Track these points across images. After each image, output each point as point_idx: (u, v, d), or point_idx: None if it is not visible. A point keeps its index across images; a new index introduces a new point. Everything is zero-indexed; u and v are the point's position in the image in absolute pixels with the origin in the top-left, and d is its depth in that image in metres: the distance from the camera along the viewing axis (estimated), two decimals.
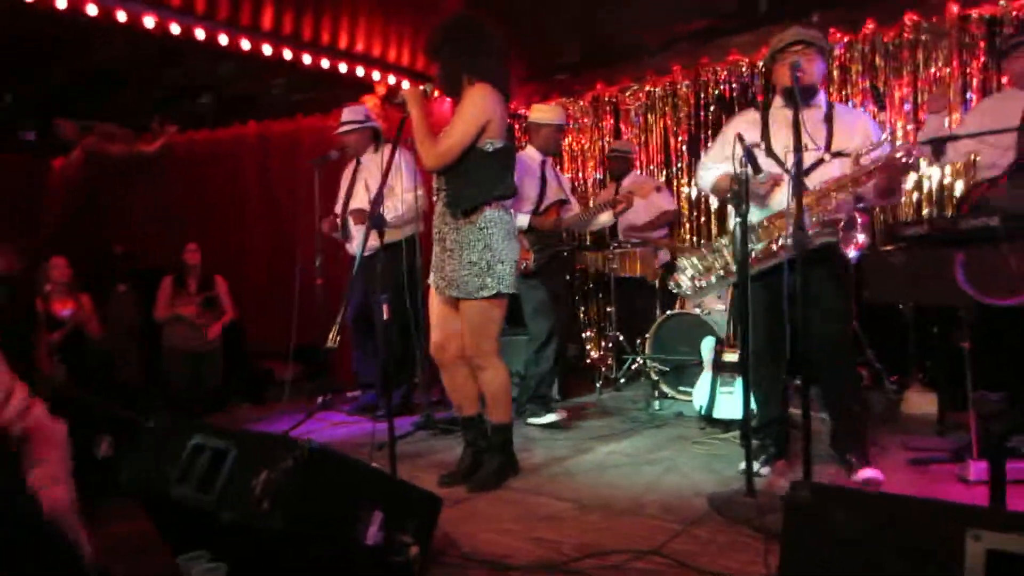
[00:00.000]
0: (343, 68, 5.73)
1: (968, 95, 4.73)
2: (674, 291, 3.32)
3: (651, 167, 6.21)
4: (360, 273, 3.32)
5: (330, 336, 2.58)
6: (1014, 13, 4.53)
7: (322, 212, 4.67)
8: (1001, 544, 1.25)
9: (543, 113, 4.39)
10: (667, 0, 5.00)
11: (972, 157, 3.88)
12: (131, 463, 2.31)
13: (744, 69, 5.69)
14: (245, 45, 5.15)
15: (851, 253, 2.67)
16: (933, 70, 4.84)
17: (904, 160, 2.68)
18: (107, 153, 6.26)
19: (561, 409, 4.47)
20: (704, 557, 2.24)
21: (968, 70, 4.75)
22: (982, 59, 4.69)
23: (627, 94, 6.33)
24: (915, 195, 4.94)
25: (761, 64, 5.51)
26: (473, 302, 2.96)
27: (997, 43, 4.51)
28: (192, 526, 2.00)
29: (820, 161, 2.90)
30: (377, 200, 2.83)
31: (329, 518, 1.84)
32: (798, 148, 2.46)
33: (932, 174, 4.89)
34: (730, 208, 3.01)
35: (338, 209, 4.70)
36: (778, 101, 3.08)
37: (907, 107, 4.93)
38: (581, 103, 6.61)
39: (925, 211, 4.91)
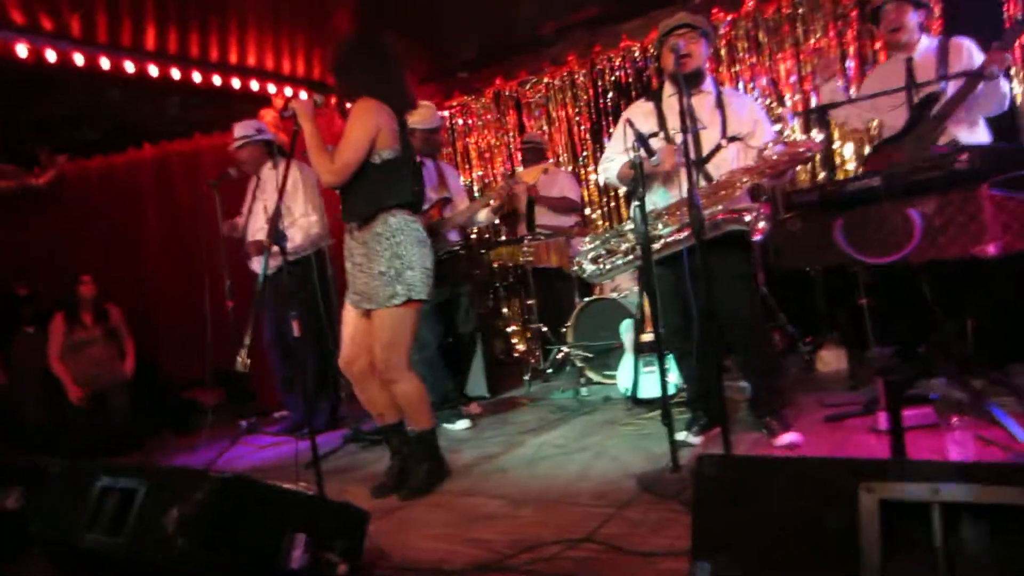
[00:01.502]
0: (236, 84, 5.60)
1: (848, 63, 4.95)
2: (577, 274, 3.35)
3: (558, 157, 6.26)
4: (265, 293, 3.22)
5: (239, 358, 2.51)
6: None
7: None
8: (892, 493, 1.30)
9: (411, 117, 4.33)
10: None
11: (872, 123, 4.02)
12: (40, 513, 2.21)
13: (636, 54, 5.81)
14: (129, 67, 4.97)
15: (756, 238, 2.82)
16: (812, 42, 5.06)
17: (807, 155, 2.83)
18: None
19: (475, 404, 4.47)
20: (636, 538, 2.27)
21: (844, 39, 4.97)
22: (855, 28, 4.92)
23: (527, 87, 6.37)
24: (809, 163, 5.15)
25: (652, 49, 5.65)
26: (385, 311, 2.93)
27: (867, 12, 4.74)
28: (108, 574, 1.93)
29: (718, 147, 3.00)
30: (276, 215, 2.77)
31: (249, 548, 1.79)
32: (684, 129, 2.53)
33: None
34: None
35: (240, 226, 4.60)
36: (668, 89, 3.15)
37: (792, 79, 5.13)
38: (483, 99, 6.61)
39: (821, 175, 5.13)
